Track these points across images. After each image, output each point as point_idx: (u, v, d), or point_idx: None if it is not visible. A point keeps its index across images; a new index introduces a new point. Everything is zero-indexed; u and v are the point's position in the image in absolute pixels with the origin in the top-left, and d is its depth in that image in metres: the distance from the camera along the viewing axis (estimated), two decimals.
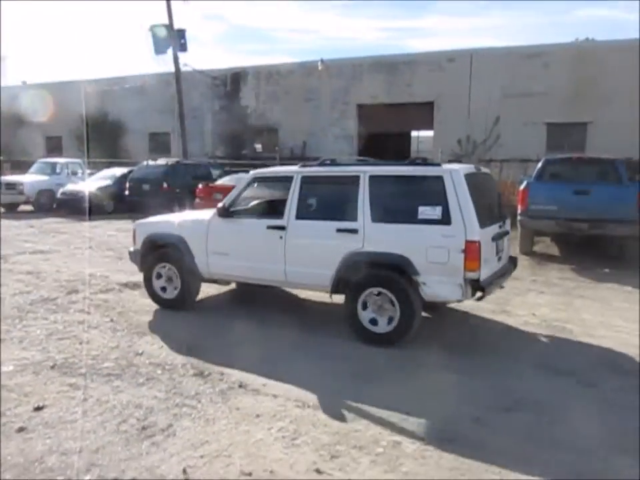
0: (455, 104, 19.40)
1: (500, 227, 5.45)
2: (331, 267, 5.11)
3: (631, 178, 12.39)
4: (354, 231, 5.03)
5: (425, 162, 5.38)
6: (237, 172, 14.47)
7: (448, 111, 19.56)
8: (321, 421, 3.56)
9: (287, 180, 5.56)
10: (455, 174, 4.79)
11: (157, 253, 6.14)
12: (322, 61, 21.01)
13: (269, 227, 5.47)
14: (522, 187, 9.87)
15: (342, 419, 3.61)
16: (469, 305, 5.87)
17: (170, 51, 20.30)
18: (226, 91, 23.25)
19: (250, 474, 2.96)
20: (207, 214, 6.08)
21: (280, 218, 5.44)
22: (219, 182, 13.51)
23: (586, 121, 18.27)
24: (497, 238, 5.27)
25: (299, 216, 5.37)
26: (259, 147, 22.23)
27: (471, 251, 4.59)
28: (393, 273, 4.88)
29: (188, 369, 4.42)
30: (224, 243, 5.77)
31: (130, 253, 6.49)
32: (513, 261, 5.97)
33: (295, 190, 5.43)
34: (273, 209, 5.77)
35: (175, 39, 20.04)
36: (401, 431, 3.45)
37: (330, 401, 3.84)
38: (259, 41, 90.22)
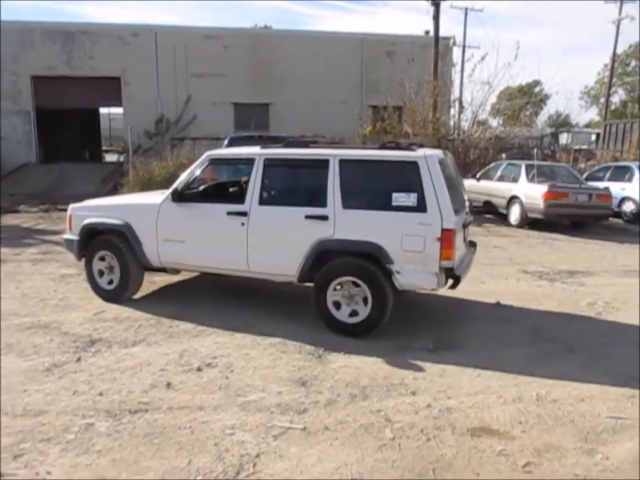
0: (143, 80, 19.04)
1: (466, 213, 5.34)
2: (298, 255, 4.85)
3: None
4: (324, 218, 4.76)
5: (397, 146, 5.10)
6: None
7: (136, 87, 19.10)
8: None
9: (247, 162, 5.22)
10: (430, 159, 4.59)
11: (97, 240, 5.71)
12: None
13: (229, 213, 5.08)
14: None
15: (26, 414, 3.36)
16: None
17: None
18: None
19: None
20: (155, 198, 5.61)
21: (241, 203, 5.08)
22: None
23: (267, 102, 20.15)
24: (466, 225, 5.23)
25: (263, 201, 5.02)
26: None
27: (447, 240, 4.46)
28: (366, 262, 4.64)
29: None
30: (178, 229, 5.38)
31: (65, 240, 6.06)
32: (473, 245, 5.88)
33: (258, 173, 5.05)
34: (232, 193, 5.57)
35: None
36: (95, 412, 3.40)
37: None
38: None
